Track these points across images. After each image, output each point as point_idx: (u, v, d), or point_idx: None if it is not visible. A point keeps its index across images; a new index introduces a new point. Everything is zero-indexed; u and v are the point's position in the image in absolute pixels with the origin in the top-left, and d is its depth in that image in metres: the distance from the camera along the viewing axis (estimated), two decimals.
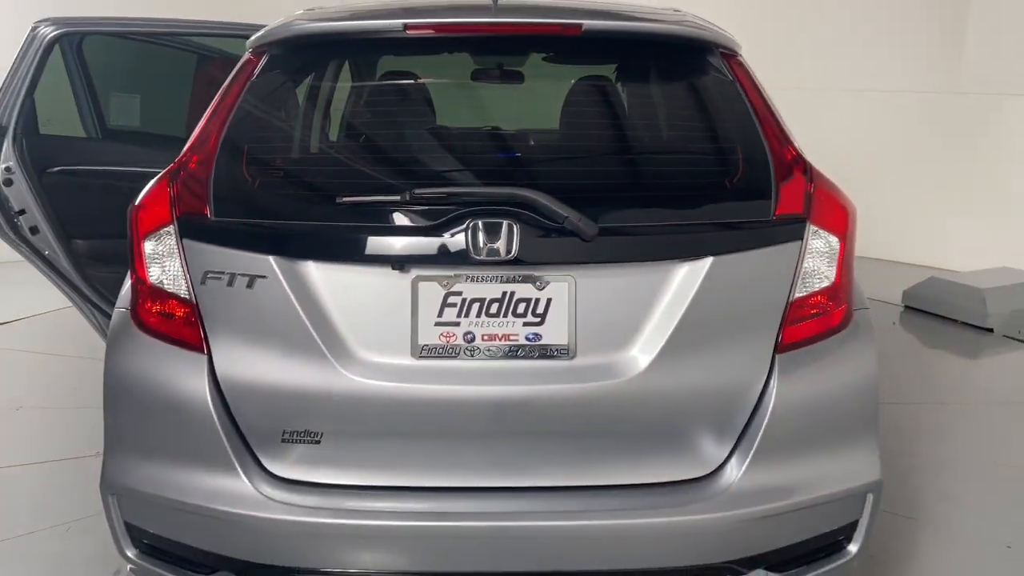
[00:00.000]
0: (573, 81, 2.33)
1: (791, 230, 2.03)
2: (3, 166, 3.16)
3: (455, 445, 2.02)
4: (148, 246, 2.07)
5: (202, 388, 1.99)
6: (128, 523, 2.09)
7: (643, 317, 1.98)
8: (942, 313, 5.46)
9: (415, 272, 1.97)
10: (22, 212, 3.23)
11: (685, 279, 1.98)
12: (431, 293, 1.98)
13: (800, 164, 2.10)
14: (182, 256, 2.03)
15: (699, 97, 2.19)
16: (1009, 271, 5.64)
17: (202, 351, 2.01)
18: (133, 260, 2.11)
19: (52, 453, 3.66)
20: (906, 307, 5.74)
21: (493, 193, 1.95)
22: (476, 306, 1.97)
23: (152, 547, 2.11)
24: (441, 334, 1.98)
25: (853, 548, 2.12)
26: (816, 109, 6.86)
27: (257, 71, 2.17)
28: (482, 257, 1.92)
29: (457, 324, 1.98)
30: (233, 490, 1.98)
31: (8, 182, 3.18)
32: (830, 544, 2.10)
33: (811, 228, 2.05)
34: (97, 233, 3.38)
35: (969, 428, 4.00)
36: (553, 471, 2.01)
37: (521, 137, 2.37)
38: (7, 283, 6.38)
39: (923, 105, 6.66)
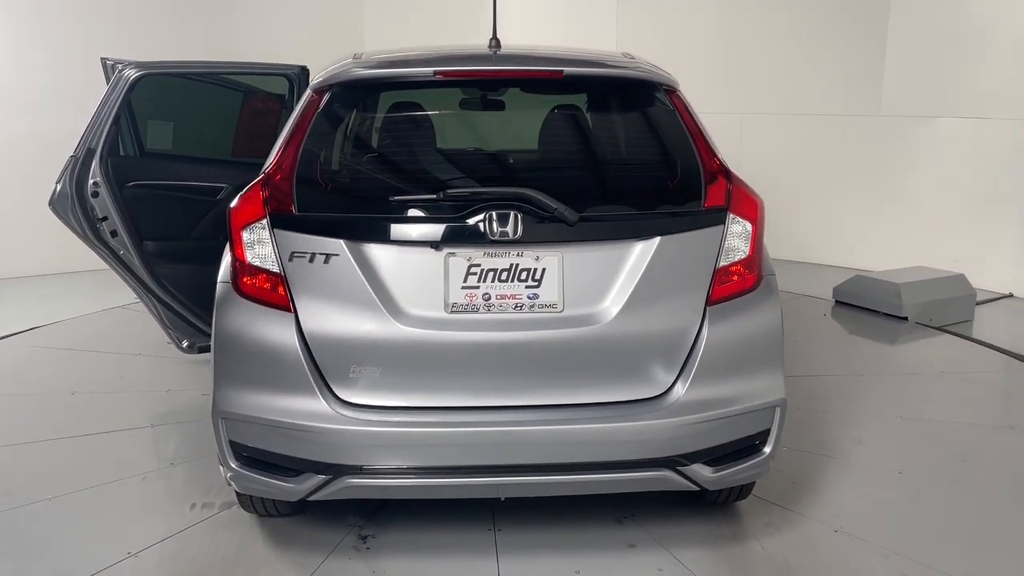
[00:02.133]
0: (552, 109, 3.14)
1: (716, 217, 2.83)
2: (91, 181, 3.87)
3: (475, 375, 2.77)
4: (245, 235, 2.80)
5: (292, 338, 2.73)
6: (232, 441, 2.81)
7: (612, 281, 2.76)
8: (865, 305, 6.33)
9: (446, 249, 2.74)
10: (104, 219, 3.94)
11: (641, 253, 2.76)
12: (458, 265, 2.74)
13: (722, 170, 2.90)
14: (273, 241, 2.76)
15: (648, 122, 3.00)
16: (921, 269, 6.54)
17: (290, 311, 2.75)
18: (233, 245, 2.84)
19: (114, 425, 4.33)
20: (836, 301, 6.61)
21: (503, 192, 2.74)
22: (491, 274, 2.74)
23: (250, 459, 2.83)
24: (466, 295, 2.74)
25: (767, 449, 2.90)
26: (752, 131, 7.83)
27: (322, 105, 2.92)
28: (496, 238, 2.69)
29: (477, 287, 2.74)
30: (316, 410, 2.71)
31: (95, 194, 3.89)
32: (750, 447, 2.88)
33: (730, 216, 2.84)
34: (164, 236, 4.11)
35: (880, 392, 4.82)
36: (547, 393, 2.78)
37: (519, 151, 3.17)
38: (40, 294, 7.04)
39: (846, 126, 7.59)
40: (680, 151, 2.90)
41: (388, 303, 2.74)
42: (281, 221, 2.78)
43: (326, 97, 2.95)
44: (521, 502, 3.31)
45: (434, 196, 2.73)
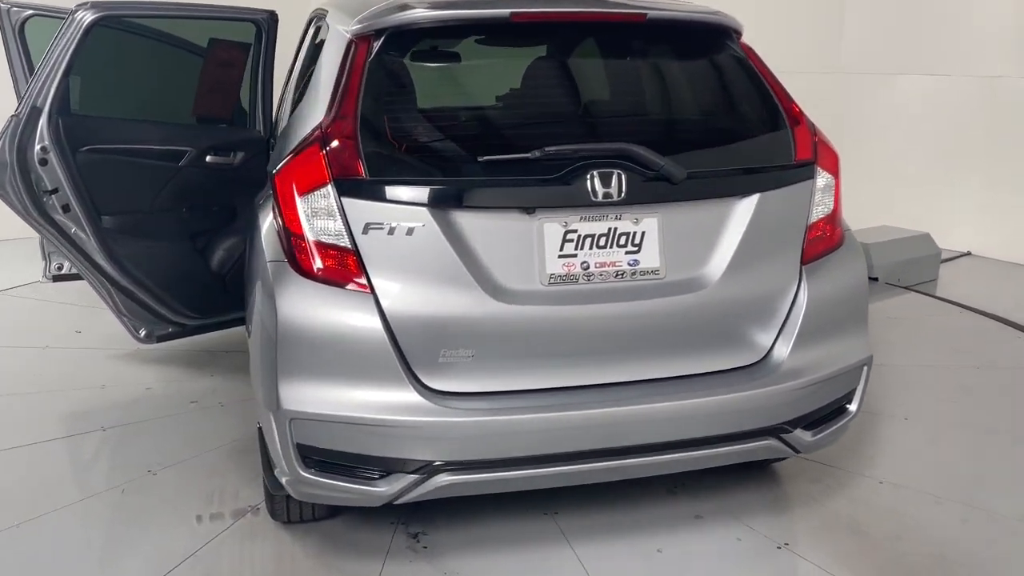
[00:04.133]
0: (625, 57, 2.88)
1: (806, 171, 2.69)
2: (38, 146, 3.23)
3: (577, 352, 2.52)
4: (303, 204, 2.40)
5: (375, 321, 2.37)
6: (300, 444, 2.43)
7: (713, 242, 2.58)
8: None
9: (540, 215, 2.45)
10: (54, 191, 3.32)
11: (742, 211, 2.59)
12: (553, 231, 2.47)
13: (805, 120, 2.77)
14: (341, 211, 2.38)
15: (727, 70, 2.80)
16: (886, 228, 6.53)
17: (367, 290, 2.39)
18: (284, 216, 2.44)
19: (58, 431, 3.75)
20: None
21: (605, 149, 2.47)
22: (588, 240, 2.48)
23: (324, 463, 2.46)
24: (564, 264, 2.47)
25: (853, 407, 2.83)
26: None
27: (374, 53, 2.53)
28: (599, 200, 2.43)
29: (575, 256, 2.48)
30: (407, 402, 2.38)
31: (44, 162, 3.26)
32: (840, 407, 2.81)
33: (817, 170, 2.72)
34: (123, 210, 3.52)
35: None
36: (652, 367, 2.57)
37: (612, 103, 2.89)
38: None
39: (805, 83, 7.61)
40: (763, 101, 2.74)
41: (481, 277, 2.43)
42: (349, 188, 2.40)
43: (378, 44, 2.56)
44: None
45: (528, 155, 2.43)
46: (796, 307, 2.65)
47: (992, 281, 6.23)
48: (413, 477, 2.42)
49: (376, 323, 2.37)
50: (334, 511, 3.02)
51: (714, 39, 2.80)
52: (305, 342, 2.39)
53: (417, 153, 2.52)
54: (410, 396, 2.39)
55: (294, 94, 3.72)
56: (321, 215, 2.41)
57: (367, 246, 2.39)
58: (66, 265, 4.19)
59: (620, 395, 2.50)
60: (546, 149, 2.42)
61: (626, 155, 2.46)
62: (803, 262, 2.68)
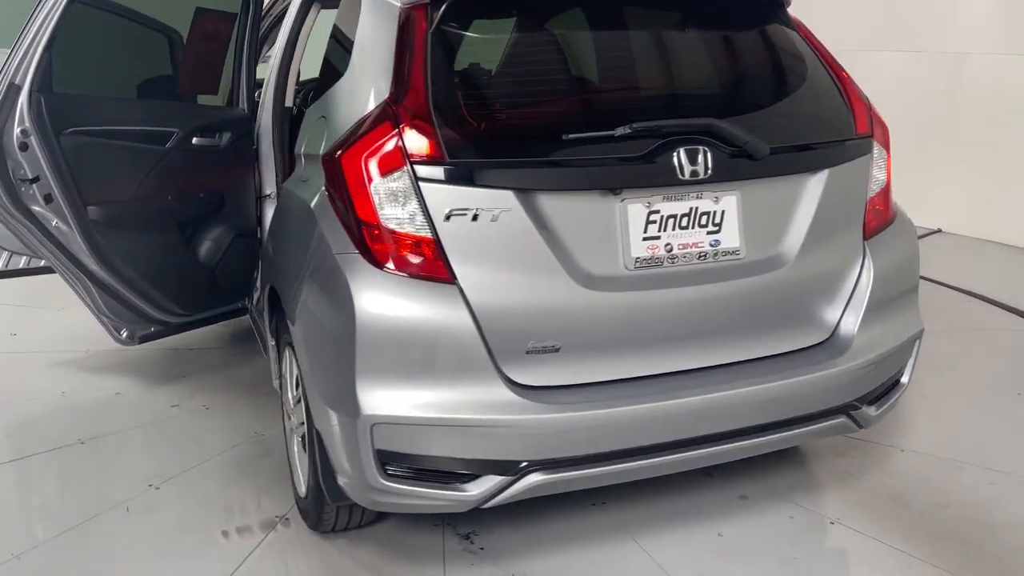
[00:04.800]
0: (685, 29, 2.74)
1: (865, 145, 2.67)
2: (18, 129, 2.84)
3: (660, 339, 2.42)
4: (378, 191, 2.20)
5: (464, 315, 2.20)
6: (381, 451, 2.23)
7: (788, 219, 2.52)
8: None
9: (624, 195, 2.33)
10: (35, 179, 2.93)
11: (813, 187, 2.54)
12: (637, 213, 2.35)
13: (860, 92, 2.73)
14: (420, 197, 2.19)
15: (787, 42, 2.73)
16: None
17: (451, 281, 2.21)
18: (354, 206, 2.22)
19: (29, 447, 3.38)
20: None
21: (693, 124, 2.36)
22: (671, 221, 2.38)
23: (405, 469, 2.27)
24: (648, 247, 2.36)
25: (905, 380, 2.85)
26: None
27: (435, 22, 2.33)
28: (686, 178, 2.33)
29: (659, 238, 2.37)
30: (498, 400, 2.22)
31: (24, 147, 2.87)
32: (896, 380, 2.82)
33: (874, 143, 2.70)
34: (109, 199, 3.16)
35: None
36: (732, 351, 2.50)
37: (685, 77, 2.75)
38: None
39: None
40: (821, 74, 2.68)
41: (568, 264, 2.29)
42: (428, 171, 2.20)
43: (438, 13, 2.36)
44: None
45: (613, 132, 2.29)
46: (861, 283, 2.63)
47: (965, 258, 6.38)
48: (503, 479, 2.27)
49: (465, 317, 2.20)
50: (380, 516, 2.83)
51: (770, 11, 2.73)
52: (388, 341, 2.20)
53: (497, 132, 2.34)
54: (502, 393, 2.23)
55: (277, 67, 3.46)
56: (397, 202, 2.21)
57: (449, 234, 2.21)
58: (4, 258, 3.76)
59: (706, 381, 2.42)
60: (633, 125, 2.29)
61: (712, 131, 2.36)
62: (865, 237, 2.66)
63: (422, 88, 2.24)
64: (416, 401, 2.20)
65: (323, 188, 2.39)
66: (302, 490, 2.77)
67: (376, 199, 2.20)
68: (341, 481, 2.40)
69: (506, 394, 2.23)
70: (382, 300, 2.19)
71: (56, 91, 2.99)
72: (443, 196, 2.20)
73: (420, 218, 2.20)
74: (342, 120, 2.41)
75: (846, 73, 2.74)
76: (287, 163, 3.64)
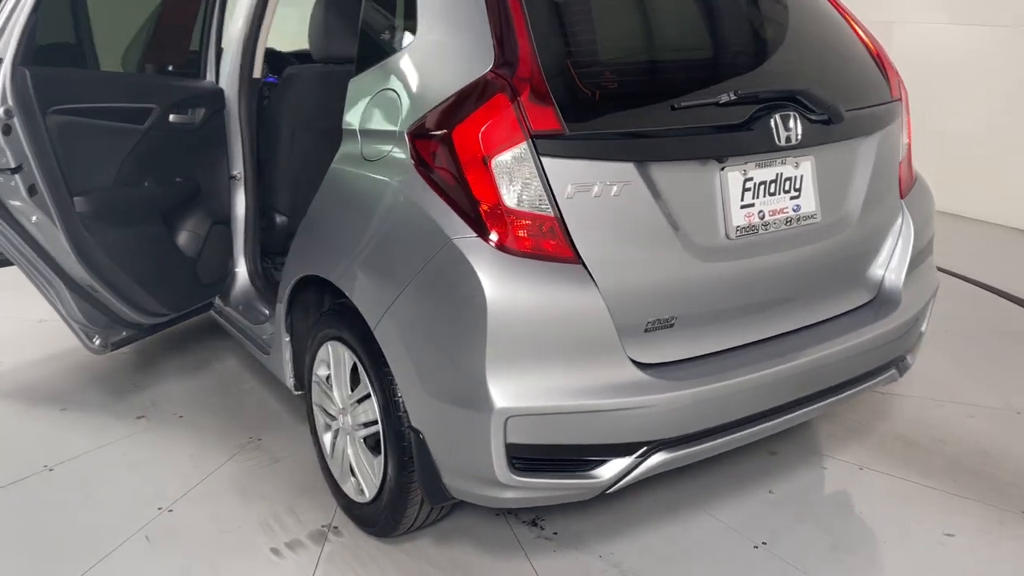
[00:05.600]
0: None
1: (898, 108, 2.78)
2: (1, 109, 2.36)
3: (760, 305, 2.42)
4: (498, 167, 2.05)
5: (595, 297, 2.10)
6: (511, 444, 2.10)
7: (851, 181, 2.59)
8: None
9: (725, 163, 2.30)
10: (17, 169, 2.46)
11: (868, 149, 2.62)
12: (735, 181, 2.33)
13: (887, 57, 2.84)
14: (542, 173, 2.06)
15: (829, 11, 2.78)
16: None
17: (577, 261, 2.10)
18: (469, 185, 2.06)
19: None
20: None
21: (788, 90, 2.36)
22: (762, 188, 2.38)
23: (532, 462, 2.15)
24: (745, 215, 2.35)
25: (924, 328, 3.03)
26: None
27: None
28: (782, 144, 2.33)
29: (753, 205, 2.37)
30: (626, 381, 2.15)
31: (6, 130, 2.39)
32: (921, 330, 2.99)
33: (902, 107, 2.82)
34: (92, 187, 2.71)
35: None
36: (813, 312, 2.55)
37: (764, 42, 2.69)
38: None
39: None
40: (856, 40, 2.76)
41: (681, 236, 2.23)
42: (548, 144, 2.07)
43: None
44: None
45: (718, 99, 2.25)
46: (903, 240, 2.75)
47: None
48: (631, 460, 2.20)
49: (595, 298, 2.10)
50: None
51: None
52: (519, 329, 2.06)
53: (611, 101, 2.23)
54: (632, 374, 2.16)
55: (244, 34, 3.15)
56: (519, 179, 2.06)
57: (571, 211, 2.09)
58: None
59: (801, 344, 2.46)
60: (738, 92, 2.26)
61: (804, 95, 2.37)
62: (901, 196, 2.78)
63: (529, 53, 2.09)
64: (548, 390, 2.09)
65: (412, 167, 2.19)
66: (365, 495, 2.57)
67: (497, 177, 2.05)
68: (452, 480, 2.24)
69: (636, 375, 2.16)
70: (511, 286, 2.05)
71: (40, 63, 2.53)
72: (565, 171, 2.08)
73: (543, 196, 2.07)
74: (427, 91, 2.21)
75: (877, 46, 2.83)
76: (256, 140, 3.33)
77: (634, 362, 2.19)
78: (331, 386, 2.68)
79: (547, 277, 2.08)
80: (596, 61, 2.33)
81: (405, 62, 2.33)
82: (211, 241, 3.19)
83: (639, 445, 2.20)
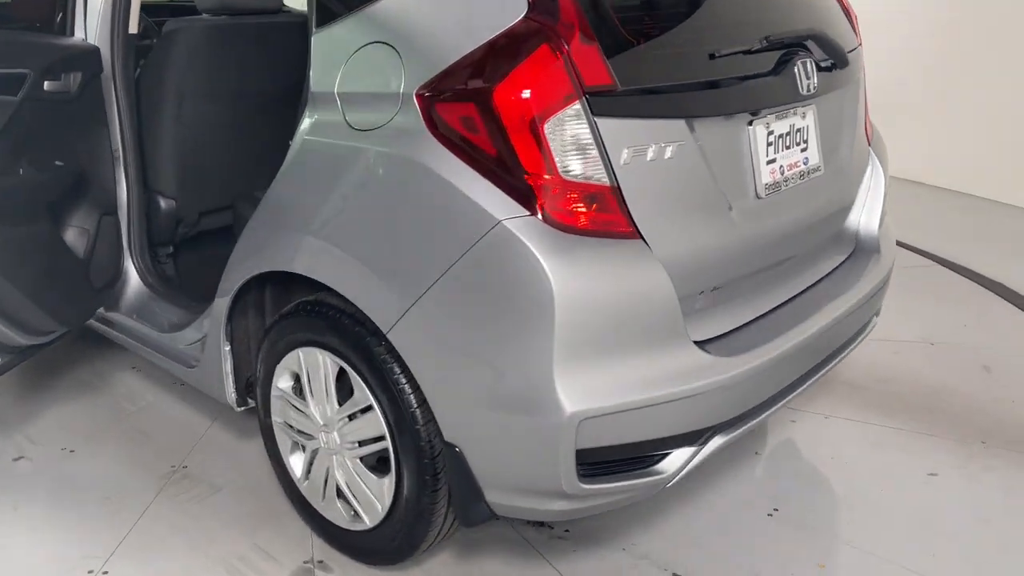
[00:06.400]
0: None
1: (861, 53, 2.72)
2: None
3: (782, 263, 2.28)
4: (551, 131, 1.74)
5: (659, 274, 1.85)
6: (581, 450, 1.83)
7: (841, 129, 2.49)
8: None
9: (755, 116, 2.12)
10: None
11: (852, 95, 2.54)
12: (761, 135, 2.16)
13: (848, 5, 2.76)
14: (597, 136, 1.78)
15: None
16: None
17: (636, 236, 1.85)
18: (517, 154, 1.75)
19: None
20: None
21: (804, 31, 2.20)
22: (780, 141, 2.22)
23: (599, 465, 1.90)
24: (770, 171, 2.19)
25: None
26: None
27: None
28: (805, 92, 2.18)
29: (775, 160, 2.21)
30: (692, 366, 1.93)
31: None
32: None
33: (862, 52, 2.76)
34: None
35: None
36: (820, 267, 2.45)
37: None
38: None
39: None
40: None
41: (725, 198, 2.03)
42: (601, 103, 1.77)
43: None
44: None
45: (750, 46, 2.04)
46: (875, 188, 2.70)
47: None
48: (692, 449, 2.00)
49: (661, 275, 1.85)
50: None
51: None
52: (588, 318, 1.77)
53: (655, 51, 1.94)
54: (696, 357, 1.93)
55: None
56: (571, 144, 1.76)
57: (627, 178, 1.82)
58: None
59: (816, 302, 2.33)
60: (768, 37, 2.07)
61: (818, 39, 2.22)
62: (868, 143, 2.74)
63: (571, 3, 1.78)
64: (619, 384, 1.83)
65: (427, 136, 1.83)
66: (365, 521, 2.21)
67: (551, 142, 1.74)
68: (499, 498, 1.93)
69: (699, 356, 1.94)
70: (575, 270, 1.76)
71: None
72: (619, 133, 1.80)
73: (599, 162, 1.78)
74: (437, 42, 1.84)
75: None
76: (134, 109, 2.77)
77: (694, 341, 1.98)
78: (304, 400, 2.27)
79: (609, 256, 1.81)
80: (634, 5, 2.05)
81: (399, 7, 1.93)
82: (101, 236, 2.61)
83: (704, 431, 2.00)
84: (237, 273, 2.30)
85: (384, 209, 1.91)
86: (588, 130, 1.77)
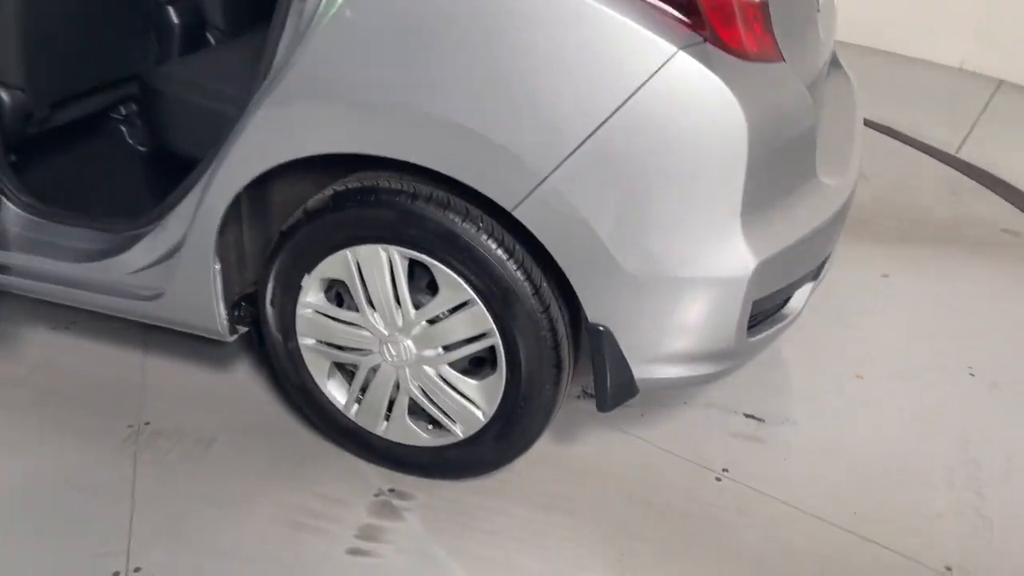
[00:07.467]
0: None
1: None
2: None
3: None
4: None
5: (806, 99, 1.72)
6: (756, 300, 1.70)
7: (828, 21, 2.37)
8: None
9: None
10: None
11: None
12: None
13: None
14: None
15: None
16: None
17: (782, 59, 1.68)
18: None
19: None
20: None
21: None
22: None
23: (758, 315, 1.78)
24: None
25: None
26: None
27: None
28: None
29: None
30: (825, 195, 1.86)
31: None
32: None
33: None
34: None
35: None
36: None
37: None
38: None
39: None
40: None
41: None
42: None
43: None
44: None
45: None
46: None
47: None
48: (812, 283, 1.95)
49: (808, 101, 1.71)
50: None
51: None
52: (769, 156, 1.60)
53: None
54: (823, 186, 1.85)
55: None
56: None
57: None
58: None
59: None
60: None
61: None
62: None
63: None
64: (787, 225, 1.71)
65: None
66: (457, 433, 1.91)
67: None
68: (648, 372, 1.74)
69: (825, 186, 1.85)
70: (758, 102, 1.56)
71: None
72: None
73: None
74: None
75: None
76: None
77: None
78: (353, 311, 1.87)
79: (775, 84, 1.64)
80: None
81: None
82: None
83: (824, 260, 1.94)
84: (244, 167, 1.79)
85: (508, 57, 1.54)
86: None
